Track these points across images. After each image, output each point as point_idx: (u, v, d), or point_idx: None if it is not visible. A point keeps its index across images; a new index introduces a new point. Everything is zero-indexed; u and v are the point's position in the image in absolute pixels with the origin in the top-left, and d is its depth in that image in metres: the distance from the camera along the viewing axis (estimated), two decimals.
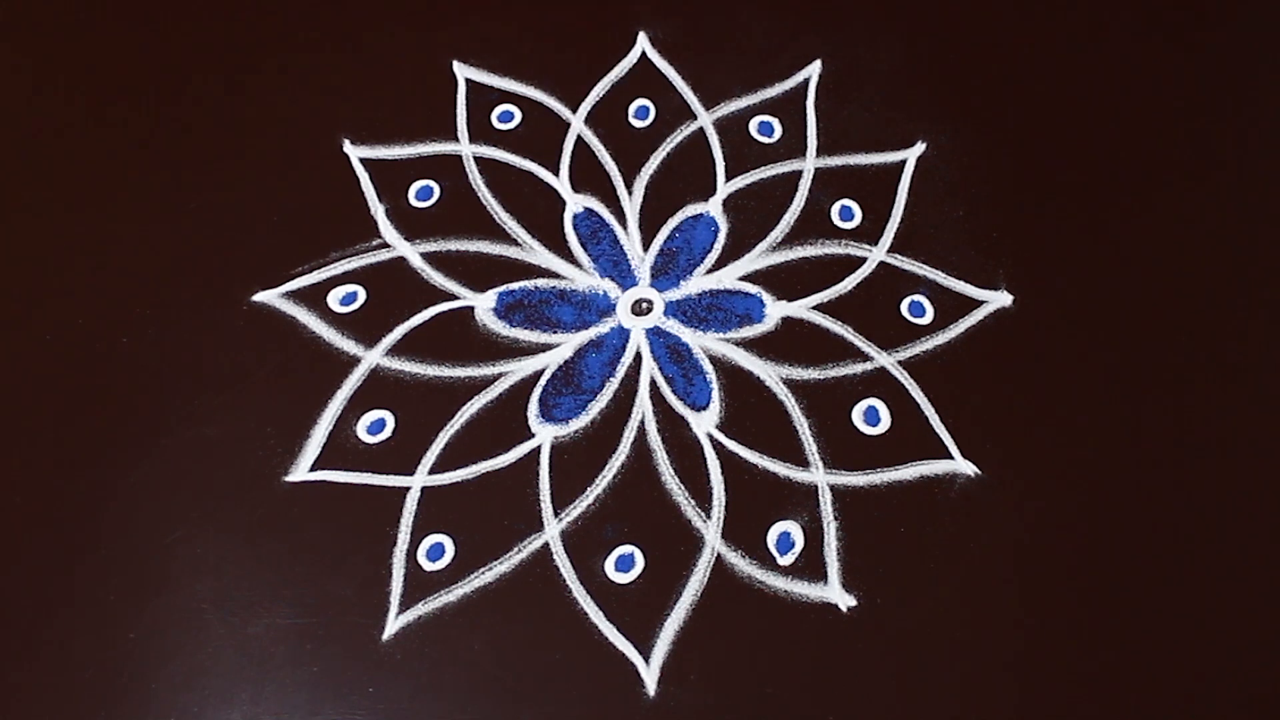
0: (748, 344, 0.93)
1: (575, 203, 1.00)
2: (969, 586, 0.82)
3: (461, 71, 1.07)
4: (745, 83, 1.07)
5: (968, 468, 0.87)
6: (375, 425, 0.88)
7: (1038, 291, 0.95)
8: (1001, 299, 0.95)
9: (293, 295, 0.94)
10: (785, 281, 0.96)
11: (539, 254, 0.98)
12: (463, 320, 0.94)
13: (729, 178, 1.02)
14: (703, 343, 0.93)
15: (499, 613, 0.81)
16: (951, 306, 0.94)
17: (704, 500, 0.85)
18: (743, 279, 0.96)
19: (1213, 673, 0.79)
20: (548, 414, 0.89)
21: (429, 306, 0.94)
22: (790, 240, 0.98)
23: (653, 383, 0.91)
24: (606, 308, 0.95)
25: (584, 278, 0.96)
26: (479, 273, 0.96)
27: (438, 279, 0.96)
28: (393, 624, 0.80)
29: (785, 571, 0.83)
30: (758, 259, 0.97)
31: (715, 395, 0.90)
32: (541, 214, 0.99)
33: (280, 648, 0.79)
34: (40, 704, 0.77)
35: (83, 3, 1.12)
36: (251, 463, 0.86)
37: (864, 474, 0.86)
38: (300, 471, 0.86)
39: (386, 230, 0.98)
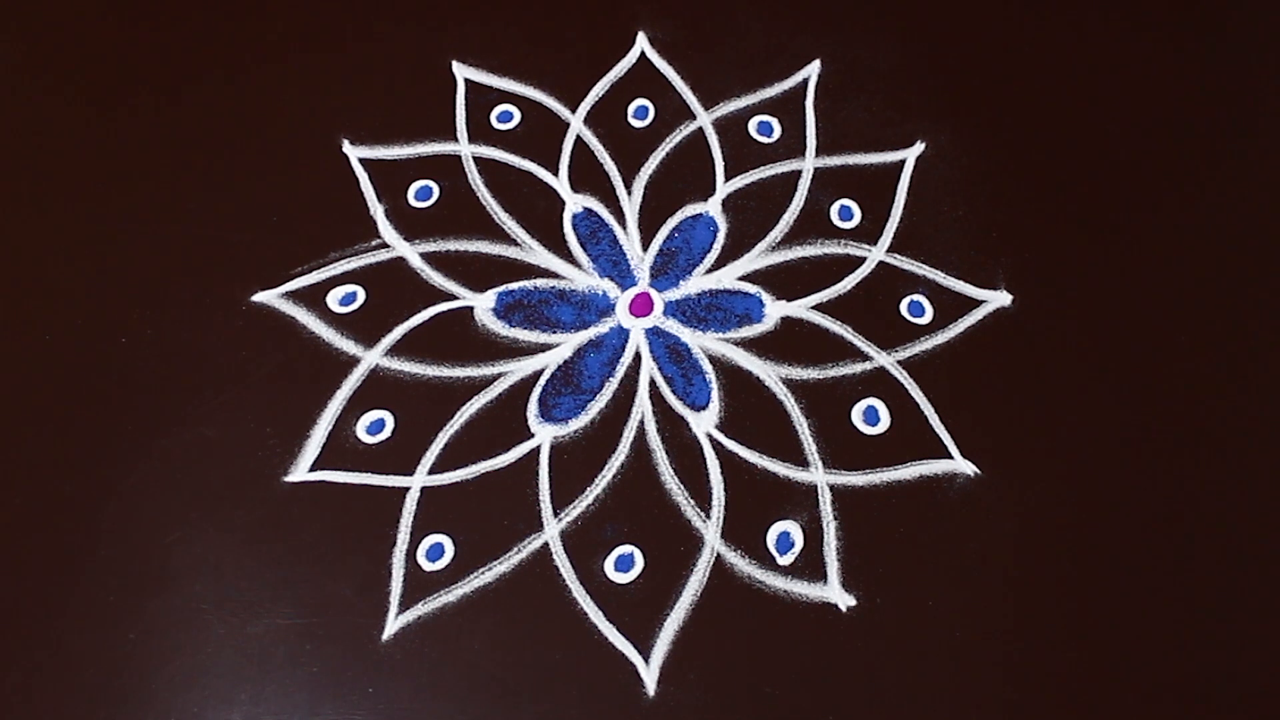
0: (747, 344, 0.93)
1: (574, 203, 1.00)
2: (969, 586, 0.82)
3: (461, 71, 1.07)
4: (745, 83, 1.07)
5: (967, 468, 0.87)
6: (375, 425, 0.88)
7: (1037, 291, 0.95)
8: (1001, 299, 0.95)
9: (292, 295, 0.94)
10: (785, 281, 0.96)
11: (538, 254, 0.97)
12: (462, 320, 0.94)
13: (728, 178, 1.01)
14: (702, 343, 0.93)
15: (499, 613, 0.81)
16: (951, 306, 0.94)
17: (704, 500, 0.85)
18: (742, 279, 0.96)
19: (1210, 672, 0.79)
20: (547, 414, 0.89)
21: (428, 306, 0.94)
22: (790, 240, 0.98)
23: (652, 383, 0.91)
24: (606, 308, 0.95)
25: (583, 278, 0.96)
26: (478, 273, 0.96)
27: (437, 279, 0.96)
28: (392, 624, 0.80)
29: (785, 571, 0.83)
30: (757, 259, 0.97)
31: (715, 395, 0.90)
32: (541, 214, 0.99)
33: (280, 648, 0.79)
34: (40, 704, 0.77)
35: (82, 3, 1.12)
36: (251, 463, 0.86)
37: (864, 474, 0.86)
38: (300, 471, 0.86)
39: (386, 230, 0.98)
